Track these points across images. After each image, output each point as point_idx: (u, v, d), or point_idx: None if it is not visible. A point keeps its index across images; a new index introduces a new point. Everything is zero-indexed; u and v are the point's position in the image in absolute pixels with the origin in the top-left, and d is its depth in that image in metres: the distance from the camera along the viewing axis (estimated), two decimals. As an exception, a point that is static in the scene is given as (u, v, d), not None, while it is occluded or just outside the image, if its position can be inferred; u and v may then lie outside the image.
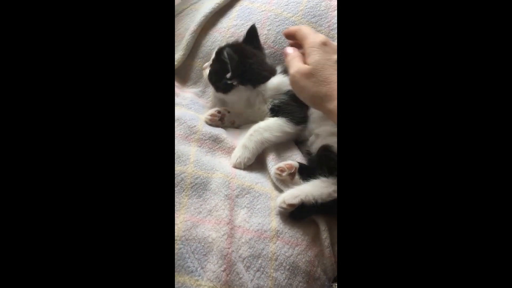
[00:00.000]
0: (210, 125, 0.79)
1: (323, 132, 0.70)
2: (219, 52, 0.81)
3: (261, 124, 0.73)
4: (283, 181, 0.65)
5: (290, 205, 0.58)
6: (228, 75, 0.78)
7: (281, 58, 0.87)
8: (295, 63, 0.57)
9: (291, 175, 0.65)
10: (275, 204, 0.63)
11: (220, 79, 0.80)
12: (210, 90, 0.92)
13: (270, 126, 0.72)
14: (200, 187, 0.60)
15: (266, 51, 0.89)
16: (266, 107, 0.78)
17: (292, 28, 0.62)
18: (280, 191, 0.66)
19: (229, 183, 0.63)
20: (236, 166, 0.69)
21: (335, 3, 0.94)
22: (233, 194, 0.61)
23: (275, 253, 0.56)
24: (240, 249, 0.55)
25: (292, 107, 0.75)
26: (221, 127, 0.81)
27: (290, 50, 0.60)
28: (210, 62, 0.84)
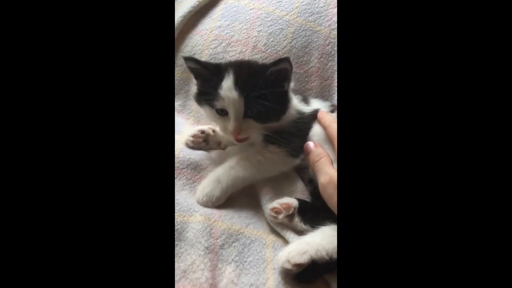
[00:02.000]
0: (192, 147, 0.65)
1: None
2: (262, 67, 0.58)
3: (250, 155, 0.57)
4: (280, 224, 0.51)
5: (297, 265, 0.44)
6: (286, 84, 0.58)
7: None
8: (327, 168, 0.52)
9: (289, 216, 0.51)
10: (271, 255, 0.48)
11: (284, 95, 0.58)
12: (193, 103, 0.78)
13: (261, 162, 0.56)
14: (173, 237, 0.46)
15: (257, 56, 0.75)
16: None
17: (324, 123, 0.59)
18: (278, 234, 0.52)
19: (211, 230, 0.48)
20: (200, 203, 0.54)
21: (336, -3, 0.81)
22: (217, 245, 0.47)
23: (273, 326, 0.42)
24: (225, 326, 0.40)
25: (292, 136, 0.58)
26: (205, 150, 0.66)
27: (312, 146, 0.56)
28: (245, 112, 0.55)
